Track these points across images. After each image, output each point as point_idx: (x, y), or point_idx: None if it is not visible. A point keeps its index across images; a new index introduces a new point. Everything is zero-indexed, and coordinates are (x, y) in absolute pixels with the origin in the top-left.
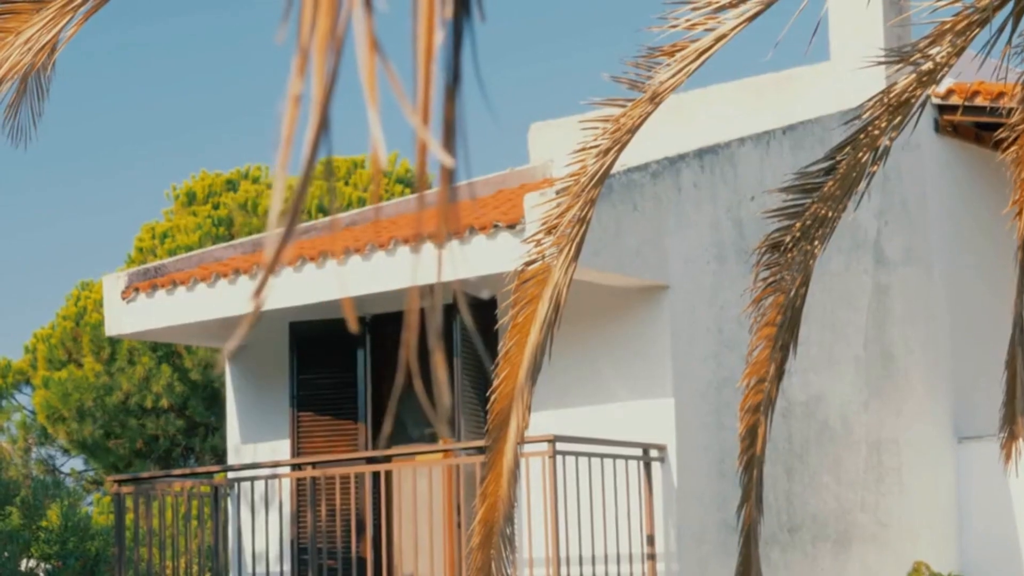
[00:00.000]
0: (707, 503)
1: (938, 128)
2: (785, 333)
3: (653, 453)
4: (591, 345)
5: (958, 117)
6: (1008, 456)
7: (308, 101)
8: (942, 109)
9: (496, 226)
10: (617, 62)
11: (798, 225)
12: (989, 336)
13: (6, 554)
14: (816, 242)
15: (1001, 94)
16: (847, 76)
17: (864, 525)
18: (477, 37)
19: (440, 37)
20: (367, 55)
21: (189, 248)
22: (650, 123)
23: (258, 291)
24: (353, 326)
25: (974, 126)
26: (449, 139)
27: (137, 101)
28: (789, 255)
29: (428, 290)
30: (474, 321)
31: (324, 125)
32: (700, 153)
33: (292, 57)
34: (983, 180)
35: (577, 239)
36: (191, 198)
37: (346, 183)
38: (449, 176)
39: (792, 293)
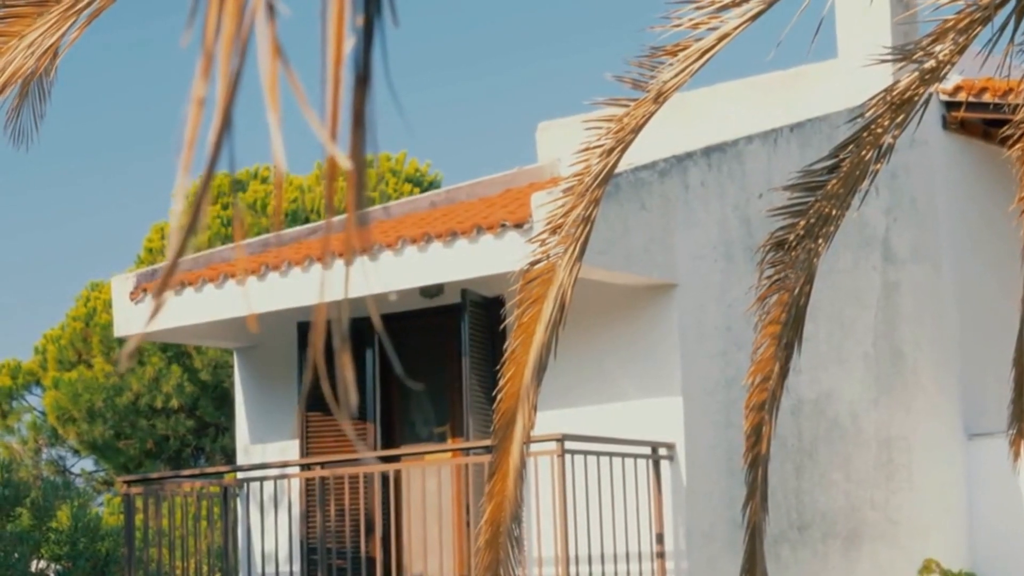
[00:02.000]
0: (716, 501)
1: (946, 125)
2: (789, 331)
3: (662, 451)
4: (599, 344)
5: (965, 114)
6: (1017, 453)
7: (212, 104)
8: (950, 106)
9: (503, 225)
10: (623, 61)
11: (802, 223)
12: (999, 332)
13: (16, 555)
14: (820, 240)
15: (1009, 91)
16: (855, 73)
17: (874, 522)
18: (388, 41)
19: (349, 44)
20: (269, 61)
21: (198, 248)
22: (658, 121)
23: (159, 290)
24: (253, 327)
25: (982, 123)
26: (358, 144)
27: (146, 100)
28: (793, 253)
29: (344, 302)
30: (480, 320)
31: (227, 127)
32: (707, 151)
33: (196, 60)
34: (991, 176)
35: (581, 239)
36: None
37: None
38: (358, 181)
39: (796, 291)
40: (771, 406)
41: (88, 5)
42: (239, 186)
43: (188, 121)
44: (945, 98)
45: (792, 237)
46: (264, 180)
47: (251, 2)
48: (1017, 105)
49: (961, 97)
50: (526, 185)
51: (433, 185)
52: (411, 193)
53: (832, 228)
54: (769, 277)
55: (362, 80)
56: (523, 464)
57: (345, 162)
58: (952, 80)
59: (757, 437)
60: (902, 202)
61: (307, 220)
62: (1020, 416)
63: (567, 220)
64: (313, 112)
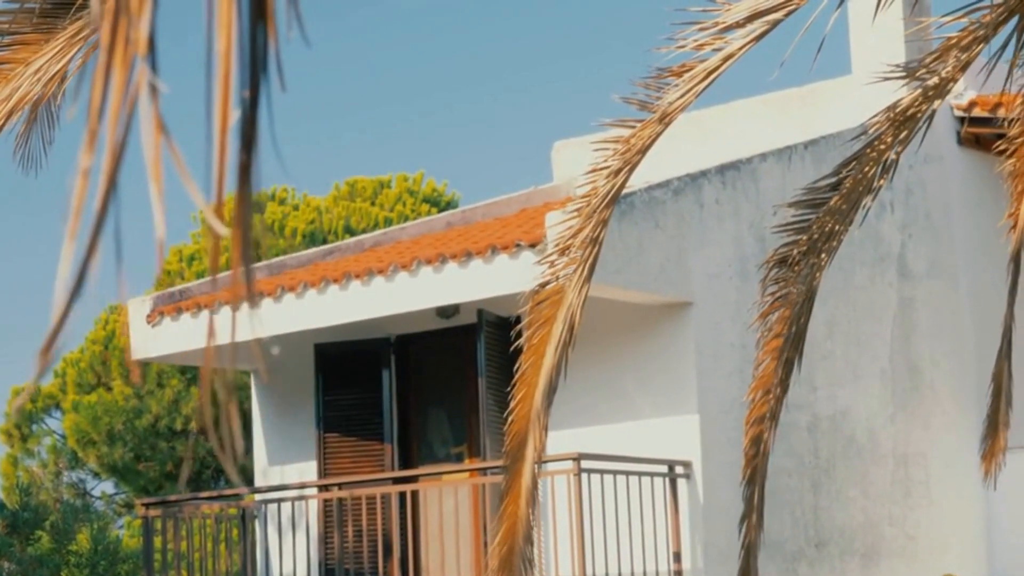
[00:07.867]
0: (733, 519)
1: (961, 140)
2: (791, 347)
3: (679, 469)
4: (615, 363)
5: (976, 129)
6: (987, 471)
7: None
8: (964, 121)
9: (518, 245)
10: (630, 83)
11: (805, 239)
12: (1015, 347)
13: None
14: (823, 255)
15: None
16: (869, 90)
17: (892, 539)
18: (274, 107)
19: (234, 116)
20: (153, 137)
21: (217, 271)
22: (673, 140)
23: (45, 349)
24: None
25: (996, 137)
26: (243, 211)
27: None
28: (796, 269)
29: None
30: (496, 340)
31: (111, 194)
32: (722, 169)
33: (82, 134)
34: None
35: (590, 259)
36: None
37: (372, 203)
38: (242, 243)
39: (798, 307)
40: (771, 422)
41: (94, 31)
42: (258, 207)
43: (74, 191)
44: (960, 114)
45: (795, 253)
46: (281, 202)
47: (134, 81)
48: (1012, 119)
49: (976, 112)
50: (542, 205)
51: (451, 205)
52: (428, 213)
53: (835, 243)
54: (772, 293)
55: (247, 147)
56: (535, 485)
57: (221, 229)
58: (967, 96)
59: (756, 453)
60: (917, 218)
61: (324, 241)
62: (994, 432)
63: (575, 241)
64: (194, 184)
